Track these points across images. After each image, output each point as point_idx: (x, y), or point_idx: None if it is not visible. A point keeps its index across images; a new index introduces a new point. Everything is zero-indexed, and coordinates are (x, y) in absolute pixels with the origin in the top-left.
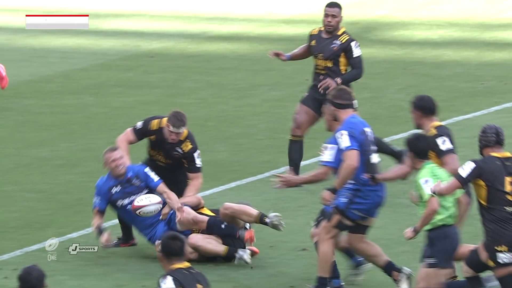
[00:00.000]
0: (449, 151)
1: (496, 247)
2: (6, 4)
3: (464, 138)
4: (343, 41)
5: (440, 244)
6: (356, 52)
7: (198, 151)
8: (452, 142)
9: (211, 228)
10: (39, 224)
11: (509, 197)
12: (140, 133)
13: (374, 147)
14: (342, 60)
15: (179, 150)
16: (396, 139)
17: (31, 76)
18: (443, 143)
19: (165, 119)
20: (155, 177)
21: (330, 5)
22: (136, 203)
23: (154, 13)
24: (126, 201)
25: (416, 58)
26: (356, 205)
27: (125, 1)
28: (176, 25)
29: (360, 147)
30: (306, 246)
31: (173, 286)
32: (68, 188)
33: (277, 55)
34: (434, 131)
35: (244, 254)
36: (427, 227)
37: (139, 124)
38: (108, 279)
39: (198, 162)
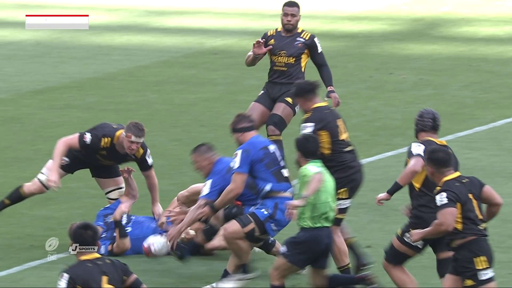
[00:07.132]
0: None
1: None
2: (78, 3)
3: None
4: (307, 38)
5: (304, 245)
6: (319, 47)
7: (147, 151)
8: (324, 126)
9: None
10: None
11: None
12: (87, 148)
13: (282, 163)
14: (304, 56)
15: (132, 157)
16: (460, 136)
17: (95, 73)
18: (304, 129)
19: (118, 133)
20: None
21: (289, 4)
22: (145, 245)
23: (218, 11)
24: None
25: (480, 55)
26: (275, 221)
27: None
28: (240, 22)
29: (259, 162)
30: (371, 243)
31: (65, 286)
32: None
33: (259, 46)
34: (307, 114)
35: None
36: (302, 225)
37: (88, 138)
38: (172, 275)
39: (149, 161)
